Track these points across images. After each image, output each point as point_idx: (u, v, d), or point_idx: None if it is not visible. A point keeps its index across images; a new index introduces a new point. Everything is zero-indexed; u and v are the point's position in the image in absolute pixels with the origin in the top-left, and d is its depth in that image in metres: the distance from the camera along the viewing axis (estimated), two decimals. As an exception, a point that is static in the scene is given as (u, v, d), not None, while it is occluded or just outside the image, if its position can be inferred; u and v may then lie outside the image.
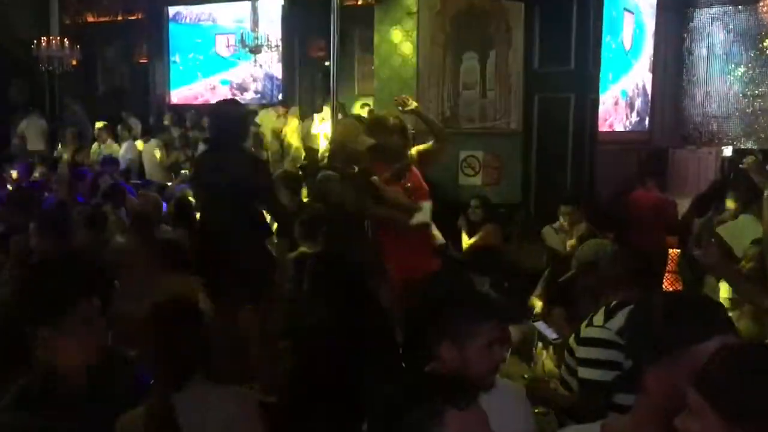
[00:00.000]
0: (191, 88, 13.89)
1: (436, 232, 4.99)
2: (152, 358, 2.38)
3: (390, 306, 3.65)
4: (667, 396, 1.60)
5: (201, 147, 9.94)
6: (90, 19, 14.17)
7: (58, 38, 11.53)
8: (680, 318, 1.67)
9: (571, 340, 3.25)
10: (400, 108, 4.81)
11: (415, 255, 4.54)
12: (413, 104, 4.85)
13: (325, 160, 7.67)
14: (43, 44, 11.42)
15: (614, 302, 3.18)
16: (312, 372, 2.90)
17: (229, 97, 13.07)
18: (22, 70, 12.61)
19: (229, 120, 4.52)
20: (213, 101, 13.12)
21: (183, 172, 8.93)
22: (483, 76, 7.43)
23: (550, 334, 3.71)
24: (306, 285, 3.21)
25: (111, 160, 8.97)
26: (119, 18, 14.08)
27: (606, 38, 7.65)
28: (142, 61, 14.05)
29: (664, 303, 1.72)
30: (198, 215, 5.14)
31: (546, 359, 3.72)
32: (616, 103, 8.51)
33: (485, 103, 7.47)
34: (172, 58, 13.90)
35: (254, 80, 13.35)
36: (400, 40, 7.67)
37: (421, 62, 7.53)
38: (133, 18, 14.01)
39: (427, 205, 4.58)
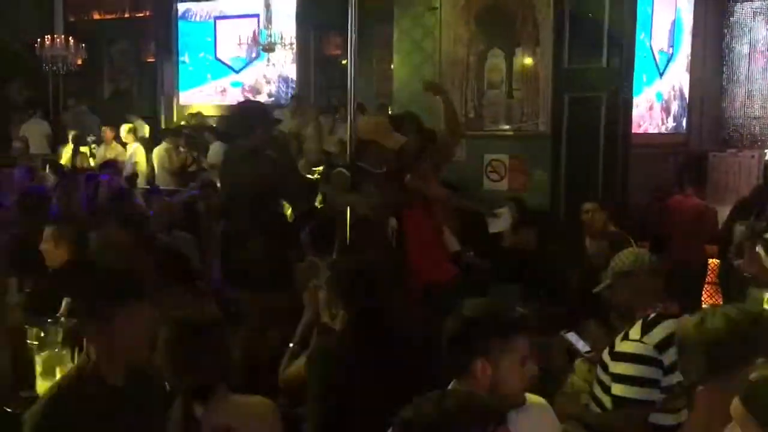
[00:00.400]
0: (201, 90, 13.97)
1: (451, 238, 5.02)
2: (175, 371, 2.50)
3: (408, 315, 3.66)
4: (718, 414, 1.64)
5: (214, 148, 10.00)
6: (96, 16, 14.32)
7: (63, 36, 11.64)
8: (740, 337, 1.75)
9: (605, 354, 3.22)
10: (430, 92, 4.89)
11: (431, 261, 4.57)
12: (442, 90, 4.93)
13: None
14: (47, 43, 11.53)
15: (651, 315, 3.15)
16: (338, 392, 2.93)
17: (242, 99, 13.18)
18: (25, 69, 12.75)
19: (256, 118, 4.65)
20: (224, 104, 13.34)
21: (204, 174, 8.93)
22: (509, 75, 7.40)
23: (582, 346, 3.68)
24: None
25: (110, 164, 9.03)
26: (126, 15, 14.21)
27: (640, 35, 7.60)
28: (149, 60, 14.15)
29: (720, 322, 1.80)
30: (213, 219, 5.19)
31: (576, 374, 3.68)
32: (651, 108, 8.43)
33: (511, 103, 7.45)
34: (180, 58, 13.99)
35: (267, 82, 13.40)
36: (421, 37, 7.67)
37: (443, 60, 7.52)
38: (140, 15, 14.13)
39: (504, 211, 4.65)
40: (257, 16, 12.94)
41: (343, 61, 9.12)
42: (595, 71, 7.17)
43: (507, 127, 7.46)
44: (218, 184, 6.42)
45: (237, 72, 13.64)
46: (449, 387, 2.23)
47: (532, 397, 2.31)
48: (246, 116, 4.98)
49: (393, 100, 8.18)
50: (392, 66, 8.13)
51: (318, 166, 8.73)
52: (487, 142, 7.37)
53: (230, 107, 12.04)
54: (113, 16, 14.34)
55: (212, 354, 2.49)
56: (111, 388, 2.33)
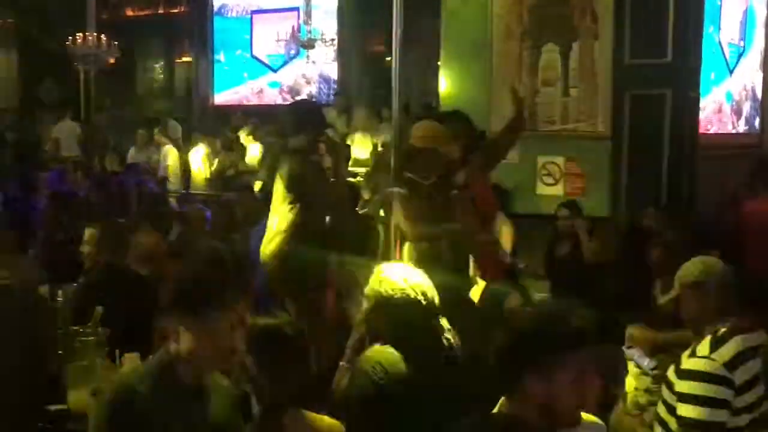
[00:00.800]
0: (236, 92, 14.10)
1: (505, 248, 5.00)
2: (260, 383, 2.61)
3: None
4: None
5: (253, 150, 10.11)
6: (129, 13, 14.59)
7: (95, 34, 11.85)
8: None
9: (670, 372, 3.17)
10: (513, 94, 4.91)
11: (484, 273, 4.57)
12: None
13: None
14: (79, 41, 11.76)
15: (722, 330, 3.09)
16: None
17: (279, 102, 13.31)
18: (55, 69, 13.03)
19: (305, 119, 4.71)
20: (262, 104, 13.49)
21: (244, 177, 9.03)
22: (565, 71, 7.35)
23: (648, 363, 3.64)
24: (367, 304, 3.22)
25: (134, 167, 9.17)
26: (160, 11, 14.44)
27: (708, 28, 7.48)
28: (184, 59, 14.36)
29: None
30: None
31: (634, 391, 3.65)
32: (720, 110, 8.28)
33: (567, 101, 7.40)
34: (216, 57, 14.16)
35: (307, 82, 13.49)
36: (471, 31, 7.66)
37: (495, 56, 7.50)
38: (175, 11, 14.35)
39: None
40: (297, 9, 13.04)
41: (387, 58, 9.13)
42: (658, 67, 7.09)
43: (563, 127, 7.41)
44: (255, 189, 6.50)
45: (275, 71, 13.76)
46: (498, 404, 2.21)
47: (586, 416, 2.28)
48: (295, 116, 5.04)
49: (440, 99, 8.17)
50: (439, 63, 8.13)
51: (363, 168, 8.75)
52: (542, 144, 7.32)
53: (281, 106, 12.19)
54: (147, 12, 14.59)
55: (297, 366, 2.63)
56: (186, 389, 2.39)
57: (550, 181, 7.43)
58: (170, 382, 2.37)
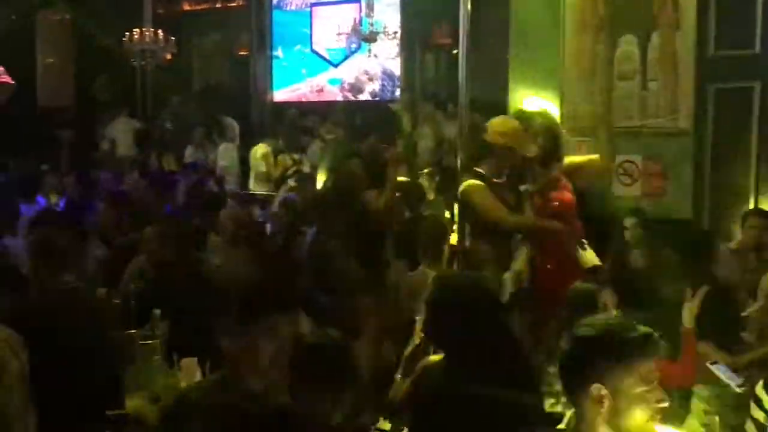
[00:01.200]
0: (294, 90, 14.23)
1: (589, 254, 4.97)
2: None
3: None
4: None
5: (313, 148, 10.21)
6: (186, 7, 14.86)
7: (151, 29, 12.11)
8: None
9: (759, 388, 3.13)
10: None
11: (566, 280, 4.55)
12: None
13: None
14: (135, 37, 12.02)
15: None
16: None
17: (340, 99, 13.42)
18: (111, 65, 13.34)
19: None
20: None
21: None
22: (643, 64, 7.27)
23: (734, 379, 3.59)
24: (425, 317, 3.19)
25: (193, 166, 9.33)
26: (218, 5, 14.68)
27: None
28: (242, 53, 14.56)
29: None
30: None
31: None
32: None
33: (646, 96, 7.31)
34: (274, 53, 14.33)
35: (370, 78, 13.55)
36: (541, 23, 7.62)
37: (568, 47, 7.45)
38: (233, 5, 14.57)
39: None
40: (358, 1, 13.11)
41: (454, 52, 9.13)
42: (745, 59, 6.95)
43: (641, 123, 7.32)
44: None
45: (335, 65, 13.87)
46: (567, 417, 2.21)
47: (662, 428, 2.26)
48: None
49: (509, 93, 8.15)
50: (508, 56, 8.10)
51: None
52: (618, 141, 7.25)
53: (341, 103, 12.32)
54: (203, 7, 14.83)
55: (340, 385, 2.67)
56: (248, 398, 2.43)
57: (627, 180, 7.35)
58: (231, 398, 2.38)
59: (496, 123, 4.77)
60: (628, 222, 6.34)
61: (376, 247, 5.42)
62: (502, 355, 3.00)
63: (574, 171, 4.96)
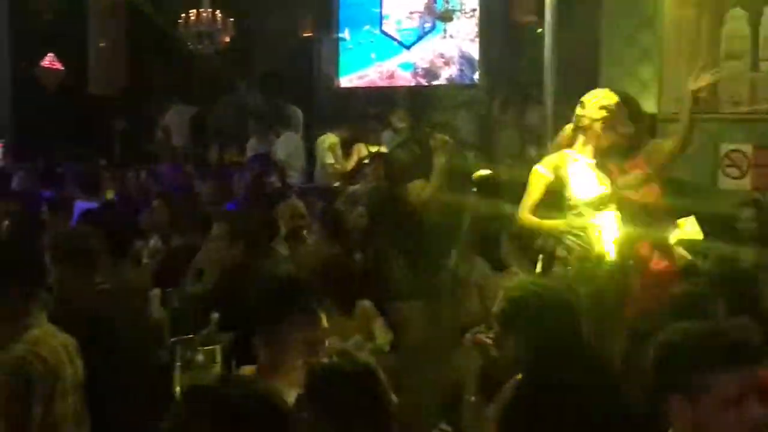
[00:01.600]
0: (362, 76, 14.26)
1: (683, 252, 4.93)
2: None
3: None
4: None
5: (387, 137, 10.23)
6: (246, -13, 15.01)
7: (209, 11, 12.27)
8: None
9: None
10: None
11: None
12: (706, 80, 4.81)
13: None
14: (191, 18, 12.19)
15: None
16: None
17: (413, 85, 13.42)
18: (166, 50, 13.57)
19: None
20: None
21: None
22: (754, 42, 7.16)
23: None
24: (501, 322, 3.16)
25: (259, 159, 9.40)
26: (280, -16, 14.80)
27: None
28: (306, 35, 14.65)
29: None
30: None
31: None
32: None
33: (756, 78, 7.25)
34: (340, 35, 14.38)
35: (446, 63, 13.49)
36: (638, -2, 7.57)
37: (667, 24, 7.36)
38: (297, -17, 14.66)
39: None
40: (432, -24, 13.10)
41: (539, 30, 9.06)
42: None
43: (751, 108, 7.21)
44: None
45: (408, 47, 13.85)
46: None
47: None
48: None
49: (600, 75, 8.07)
50: (600, 34, 8.03)
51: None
52: (724, 129, 7.17)
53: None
54: (267, -15, 14.96)
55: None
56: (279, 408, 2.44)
57: (735, 173, 7.25)
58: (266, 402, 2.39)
59: (594, 96, 4.67)
60: (745, 213, 6.16)
61: (424, 243, 5.41)
62: (583, 370, 2.96)
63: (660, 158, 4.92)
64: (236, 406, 1.73)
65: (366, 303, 4.54)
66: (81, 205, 6.88)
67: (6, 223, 5.73)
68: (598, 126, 4.50)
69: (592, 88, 7.27)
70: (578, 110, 4.59)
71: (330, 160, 10.25)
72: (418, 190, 5.58)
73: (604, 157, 4.60)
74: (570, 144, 4.61)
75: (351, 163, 10.01)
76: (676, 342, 2.15)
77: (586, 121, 4.52)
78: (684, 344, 2.13)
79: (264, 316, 2.50)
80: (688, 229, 4.95)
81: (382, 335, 4.45)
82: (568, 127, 4.67)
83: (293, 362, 2.49)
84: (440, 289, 5.10)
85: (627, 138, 4.65)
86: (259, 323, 2.49)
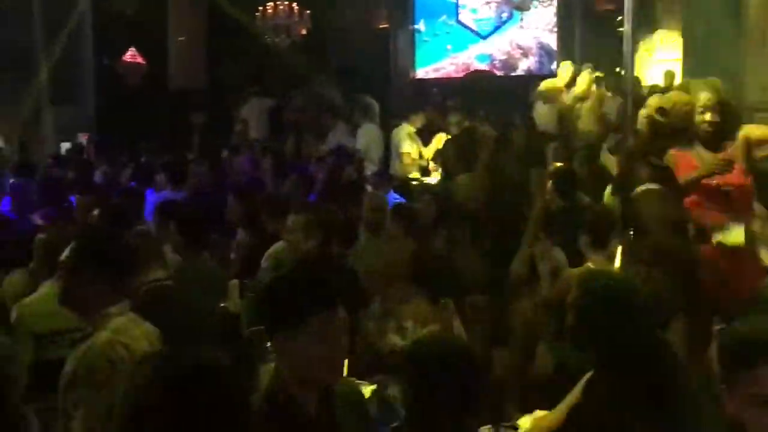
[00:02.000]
0: (437, 68, 14.20)
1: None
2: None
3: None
4: None
5: (455, 129, 10.21)
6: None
7: (286, 3, 12.37)
8: None
9: None
10: None
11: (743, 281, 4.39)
12: None
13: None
14: (268, 11, 12.30)
15: None
16: None
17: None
18: (243, 42, 13.71)
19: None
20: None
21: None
22: None
23: None
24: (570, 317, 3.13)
25: (339, 151, 9.44)
26: (356, -24, 14.84)
27: None
28: (382, 26, 14.66)
29: None
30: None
31: None
32: None
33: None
34: (416, 26, 14.36)
35: (523, 54, 13.38)
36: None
37: (751, 9, 7.19)
38: (372, -25, 14.70)
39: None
40: (509, -36, 13.01)
41: (619, 18, 8.95)
42: None
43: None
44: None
45: (484, 38, 13.79)
46: None
47: None
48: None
49: (682, 63, 7.95)
50: (682, 21, 7.90)
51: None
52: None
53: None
54: (341, -23, 15.01)
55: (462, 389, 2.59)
56: (301, 413, 2.38)
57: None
58: (282, 407, 2.36)
59: (655, 99, 4.64)
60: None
61: (472, 236, 5.39)
62: (655, 367, 2.94)
63: (752, 146, 4.74)
64: (188, 377, 1.73)
65: (449, 300, 4.55)
66: (152, 197, 7.04)
67: (94, 213, 5.85)
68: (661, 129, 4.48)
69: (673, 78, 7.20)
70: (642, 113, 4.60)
71: (407, 148, 10.25)
72: (461, 183, 5.57)
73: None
74: None
75: (430, 152, 10.02)
76: (730, 341, 2.18)
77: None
78: (736, 341, 2.16)
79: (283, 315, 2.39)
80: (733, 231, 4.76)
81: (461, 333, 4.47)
82: None
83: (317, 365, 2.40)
84: (513, 282, 5.07)
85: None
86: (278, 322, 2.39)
